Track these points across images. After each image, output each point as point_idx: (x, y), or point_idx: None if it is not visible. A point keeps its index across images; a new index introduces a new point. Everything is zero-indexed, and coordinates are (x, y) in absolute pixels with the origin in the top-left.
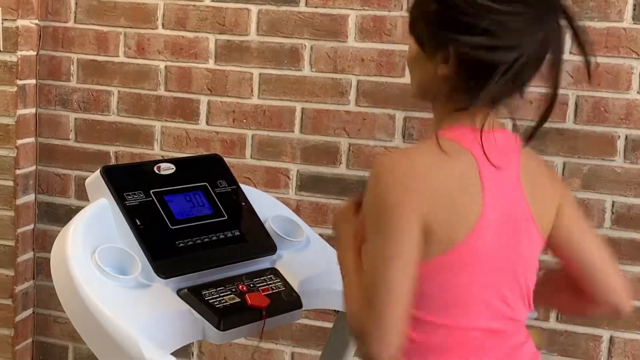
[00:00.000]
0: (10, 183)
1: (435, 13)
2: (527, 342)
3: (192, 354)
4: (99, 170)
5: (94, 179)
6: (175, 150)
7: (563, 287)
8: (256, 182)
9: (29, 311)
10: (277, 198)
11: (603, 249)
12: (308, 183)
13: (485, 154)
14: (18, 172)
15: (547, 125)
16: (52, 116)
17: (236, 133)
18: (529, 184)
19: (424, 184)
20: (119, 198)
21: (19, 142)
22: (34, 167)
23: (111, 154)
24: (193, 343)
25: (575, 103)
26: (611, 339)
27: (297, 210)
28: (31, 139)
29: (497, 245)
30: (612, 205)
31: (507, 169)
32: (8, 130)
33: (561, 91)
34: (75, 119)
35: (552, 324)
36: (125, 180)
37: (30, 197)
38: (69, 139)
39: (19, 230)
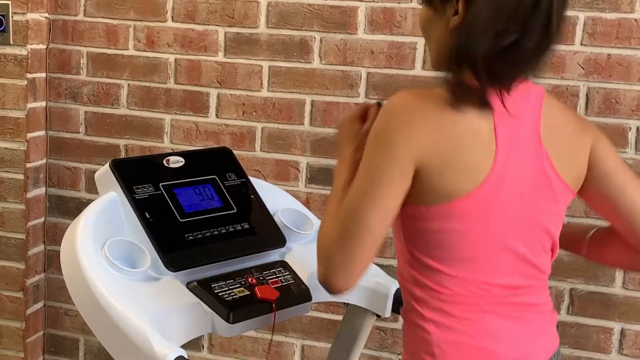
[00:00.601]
0: (21, 176)
1: None
2: (546, 302)
3: (203, 346)
4: (108, 163)
5: (104, 173)
6: (185, 143)
7: (613, 242)
8: (266, 175)
9: (40, 304)
10: (287, 191)
11: None
12: (318, 175)
13: (503, 104)
14: (28, 165)
15: None
16: (62, 109)
17: (246, 126)
18: (551, 136)
19: (428, 128)
20: (129, 191)
21: (29, 135)
22: (44, 161)
23: (121, 147)
24: (203, 336)
25: (587, 95)
26: (622, 331)
27: (307, 202)
28: (41, 132)
29: (511, 200)
30: None
31: (525, 122)
32: (18, 123)
33: (572, 82)
34: (85, 112)
35: (563, 316)
36: (135, 174)
37: (40, 191)
38: (79, 132)
39: (30, 224)
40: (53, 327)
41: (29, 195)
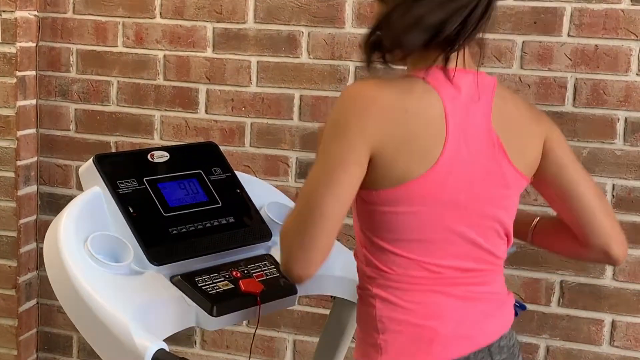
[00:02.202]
0: (12, 174)
1: None
2: (500, 285)
3: (195, 342)
4: (91, 158)
5: (87, 168)
6: (175, 140)
7: (559, 231)
8: (256, 170)
9: (33, 302)
10: (277, 186)
11: (594, 189)
12: (307, 170)
13: (449, 79)
14: (19, 163)
15: (546, 108)
16: (52, 107)
17: (235, 121)
18: (502, 123)
19: (382, 116)
20: (112, 186)
21: (20, 133)
22: (35, 158)
23: (111, 144)
24: (195, 331)
25: (574, 86)
26: (613, 323)
27: (296, 197)
28: (32, 130)
29: (460, 184)
30: (613, 189)
31: (476, 109)
32: (8, 121)
33: (559, 74)
34: (76, 109)
35: (554, 308)
36: (119, 169)
37: (32, 188)
38: (69, 130)
39: (21, 221)
40: (46, 324)
41: (20, 193)
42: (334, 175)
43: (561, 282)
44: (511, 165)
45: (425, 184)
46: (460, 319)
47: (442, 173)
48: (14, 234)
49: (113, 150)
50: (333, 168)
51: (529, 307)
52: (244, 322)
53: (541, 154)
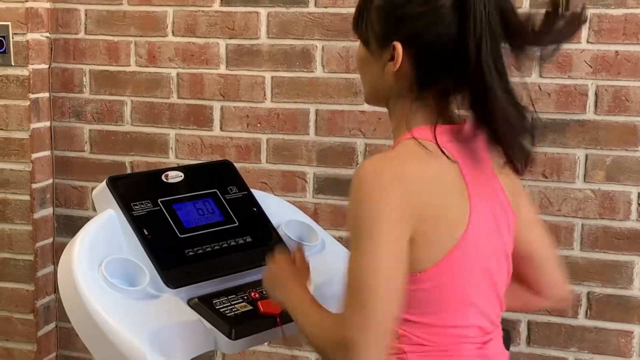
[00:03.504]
0: (27, 197)
1: (377, 9)
2: (502, 353)
3: None
4: (105, 180)
5: (101, 190)
6: (191, 158)
7: (511, 288)
8: (273, 187)
9: (52, 325)
10: (295, 202)
11: (549, 241)
12: (325, 186)
13: (465, 153)
14: (34, 186)
15: (567, 117)
16: (66, 128)
17: (251, 138)
18: (502, 175)
19: (413, 189)
20: (126, 208)
21: (34, 155)
22: (50, 181)
23: (127, 164)
24: (216, 351)
25: (595, 93)
26: None
27: (315, 213)
28: (47, 152)
29: (485, 246)
30: (638, 197)
31: (483, 165)
32: (22, 144)
33: (580, 82)
34: (90, 130)
35: (581, 320)
36: (132, 190)
37: (48, 211)
38: (84, 151)
39: (38, 245)
40: (65, 348)
41: (36, 216)
42: (389, 259)
43: (588, 293)
44: (515, 216)
45: (459, 252)
46: None
47: (473, 237)
48: (30, 257)
49: (129, 171)
50: (383, 261)
51: (556, 320)
52: (266, 342)
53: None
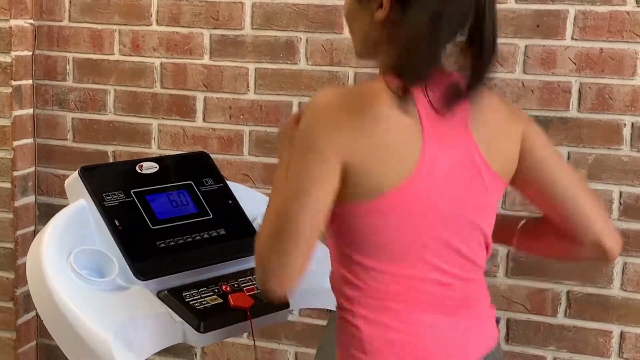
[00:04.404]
0: (8, 185)
1: None
2: (485, 296)
3: (196, 354)
4: (77, 170)
5: (73, 180)
6: (173, 148)
7: (545, 232)
8: (254, 179)
9: (32, 313)
10: None
11: (580, 183)
12: None
13: (430, 101)
14: (15, 173)
15: (550, 114)
16: (49, 116)
17: (233, 129)
18: (479, 125)
19: (354, 127)
20: (97, 199)
21: (16, 143)
22: (32, 169)
23: (109, 153)
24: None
25: (579, 90)
26: (622, 334)
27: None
28: (29, 140)
29: (441, 193)
30: (620, 196)
31: (453, 117)
32: (4, 131)
33: (563, 78)
34: (73, 118)
35: (560, 319)
36: (105, 181)
37: (30, 199)
38: (67, 139)
39: (19, 233)
40: (46, 336)
41: (17, 204)
42: (307, 190)
43: (567, 292)
44: (489, 167)
45: (404, 194)
46: (449, 336)
47: (421, 182)
48: (11, 245)
49: (111, 160)
50: (305, 182)
51: (535, 318)
52: (245, 335)
53: (519, 152)
